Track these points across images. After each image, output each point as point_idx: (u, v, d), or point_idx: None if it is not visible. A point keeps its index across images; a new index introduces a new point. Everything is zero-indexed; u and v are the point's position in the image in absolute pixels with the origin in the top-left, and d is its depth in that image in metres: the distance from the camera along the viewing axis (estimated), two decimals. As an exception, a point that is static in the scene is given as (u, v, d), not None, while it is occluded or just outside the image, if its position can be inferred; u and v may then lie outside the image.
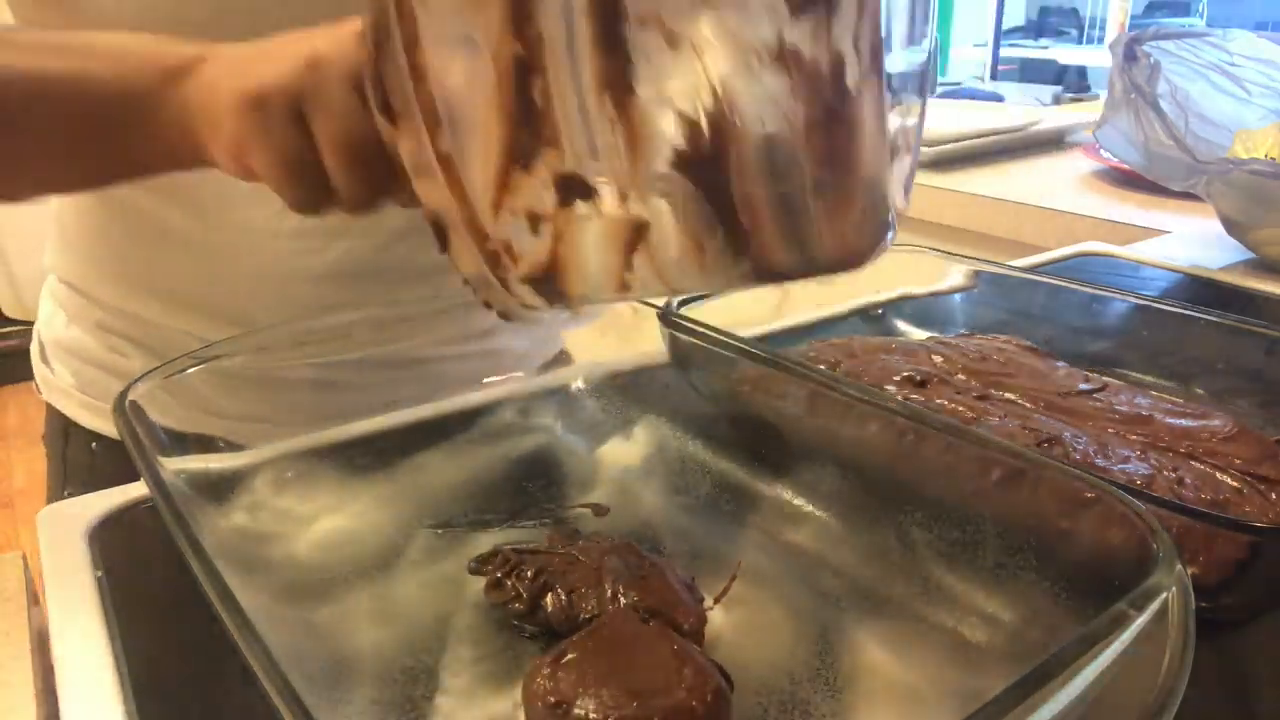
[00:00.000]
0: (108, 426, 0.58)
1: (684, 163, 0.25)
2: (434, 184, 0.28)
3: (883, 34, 0.24)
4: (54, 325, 0.60)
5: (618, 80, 0.24)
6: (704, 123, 0.24)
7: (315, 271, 0.54)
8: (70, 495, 0.45)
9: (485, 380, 0.54)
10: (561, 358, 0.64)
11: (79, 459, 0.59)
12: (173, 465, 0.36)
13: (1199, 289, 0.78)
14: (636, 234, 0.26)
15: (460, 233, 0.28)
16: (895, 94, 0.27)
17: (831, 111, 0.24)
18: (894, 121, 0.26)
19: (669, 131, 0.24)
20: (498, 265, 0.29)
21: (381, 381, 0.56)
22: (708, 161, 0.24)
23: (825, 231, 0.25)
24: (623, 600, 0.34)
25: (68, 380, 0.59)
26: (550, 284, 0.28)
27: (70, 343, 0.59)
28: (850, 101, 0.24)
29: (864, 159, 0.25)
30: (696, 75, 0.23)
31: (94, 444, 0.59)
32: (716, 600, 0.37)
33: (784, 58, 0.23)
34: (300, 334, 0.46)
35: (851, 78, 0.23)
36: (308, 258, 0.53)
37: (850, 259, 0.27)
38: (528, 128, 0.25)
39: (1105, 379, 0.52)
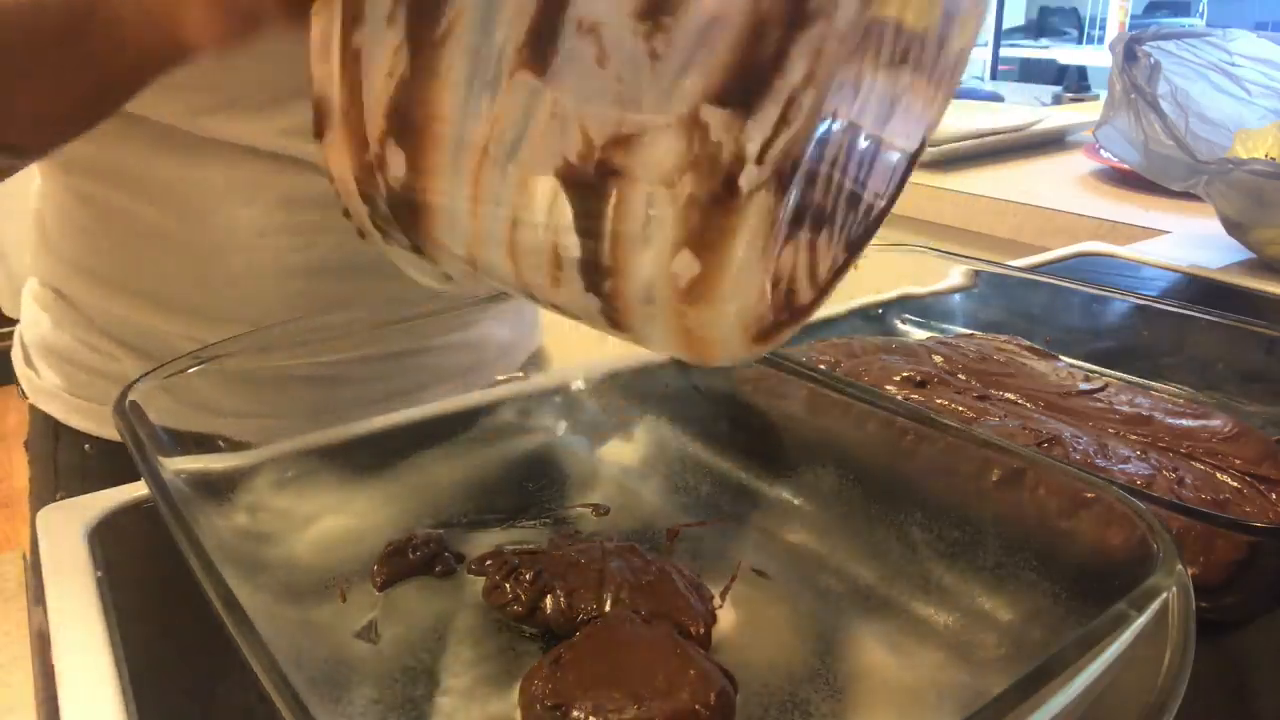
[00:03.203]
0: (102, 429, 0.58)
1: (565, 178, 0.24)
2: (329, 70, 0.27)
3: (808, 156, 0.23)
4: (39, 328, 0.59)
5: (532, 63, 0.23)
6: (596, 151, 0.23)
7: (304, 267, 0.53)
8: (64, 498, 0.44)
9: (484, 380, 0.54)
10: (539, 354, 0.64)
11: (71, 461, 0.59)
12: (173, 465, 0.36)
13: (1199, 289, 0.78)
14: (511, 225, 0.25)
15: (339, 130, 0.27)
16: (809, 226, 0.25)
17: (713, 195, 0.22)
18: (791, 255, 0.25)
19: (567, 138, 0.23)
20: (370, 177, 0.27)
21: (374, 375, 0.56)
22: (589, 186, 0.23)
23: (668, 313, 0.24)
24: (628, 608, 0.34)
25: (56, 383, 0.59)
26: (414, 220, 0.27)
27: (58, 346, 0.58)
28: (734, 197, 0.22)
29: (724, 263, 0.23)
30: (607, 92, 0.23)
31: (87, 445, 0.58)
32: (720, 598, 0.37)
33: (692, 126, 0.22)
34: (302, 332, 0.46)
35: (746, 180, 0.22)
36: (295, 254, 0.53)
37: (688, 354, 0.26)
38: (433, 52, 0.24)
39: (1105, 379, 0.52)
